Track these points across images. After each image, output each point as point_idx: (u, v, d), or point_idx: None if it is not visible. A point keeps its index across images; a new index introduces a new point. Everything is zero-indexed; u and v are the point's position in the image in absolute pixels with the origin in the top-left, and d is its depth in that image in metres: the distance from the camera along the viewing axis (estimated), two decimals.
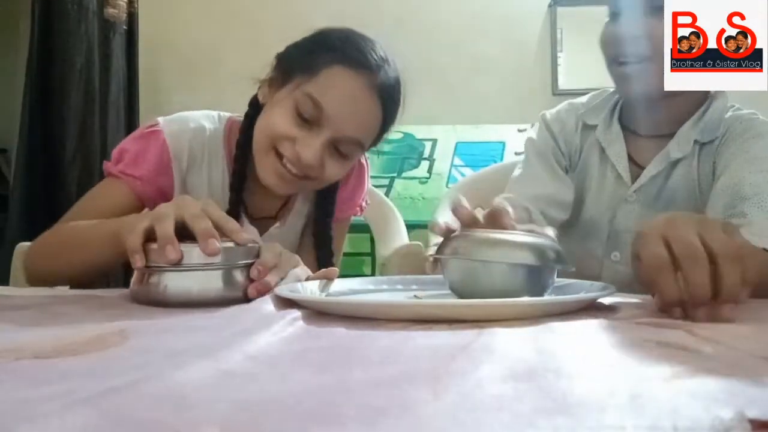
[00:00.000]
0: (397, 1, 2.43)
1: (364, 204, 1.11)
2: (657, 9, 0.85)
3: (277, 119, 0.86)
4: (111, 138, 2.17)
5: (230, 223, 0.68)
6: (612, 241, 0.97)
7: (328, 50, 0.87)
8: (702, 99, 0.95)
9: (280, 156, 0.87)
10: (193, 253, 0.65)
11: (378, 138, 0.94)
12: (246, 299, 0.65)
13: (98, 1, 2.17)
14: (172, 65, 2.41)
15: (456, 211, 0.68)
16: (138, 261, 0.65)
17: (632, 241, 0.59)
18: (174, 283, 0.65)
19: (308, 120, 0.85)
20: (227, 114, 1.00)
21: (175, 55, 2.42)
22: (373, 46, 0.92)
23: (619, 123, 0.98)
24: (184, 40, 2.45)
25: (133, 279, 0.69)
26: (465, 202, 0.69)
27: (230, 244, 0.67)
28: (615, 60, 0.91)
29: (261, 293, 0.65)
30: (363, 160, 1.06)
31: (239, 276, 0.67)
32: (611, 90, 1.04)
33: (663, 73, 0.85)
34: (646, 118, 0.95)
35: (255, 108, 0.94)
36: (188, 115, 0.97)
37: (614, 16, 0.92)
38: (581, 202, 0.99)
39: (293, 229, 1.03)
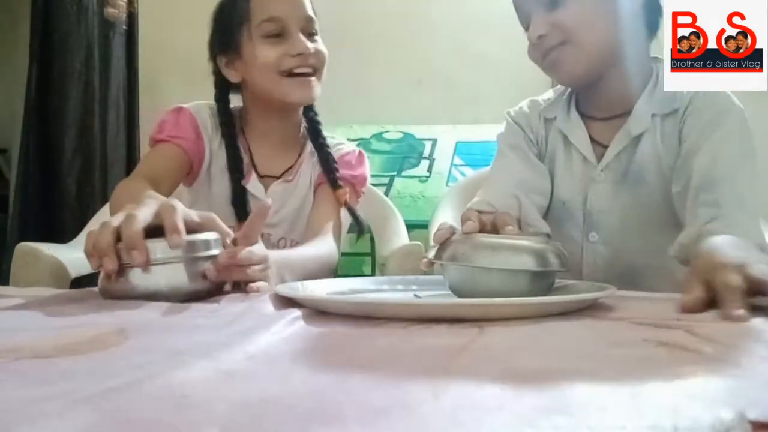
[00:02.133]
0: (397, 1, 2.43)
1: (363, 188, 1.19)
2: (554, 2, 0.91)
3: (265, 56, 1.04)
4: (111, 138, 2.17)
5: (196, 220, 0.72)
6: (588, 222, 0.99)
7: None
8: (648, 74, 0.98)
9: (288, 75, 1.04)
10: (157, 248, 0.65)
11: (314, 11, 1.09)
12: (218, 290, 0.70)
13: (98, 1, 2.17)
14: (172, 65, 2.41)
15: (464, 225, 0.68)
16: (109, 263, 0.66)
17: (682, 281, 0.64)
18: (141, 279, 0.66)
19: (279, 34, 1.04)
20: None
21: (175, 55, 2.41)
22: None
23: (577, 111, 1.02)
24: (184, 40, 2.44)
25: (101, 275, 0.69)
26: (475, 218, 0.69)
27: (195, 237, 0.68)
28: (543, 59, 0.96)
29: (217, 274, 0.69)
30: (358, 151, 1.20)
31: (204, 267, 0.68)
32: None
33: (582, 53, 0.92)
34: (597, 100, 0.99)
35: (223, 96, 1.11)
36: (203, 102, 1.14)
37: (527, 27, 0.98)
38: (553, 188, 1.02)
39: (300, 188, 1.13)
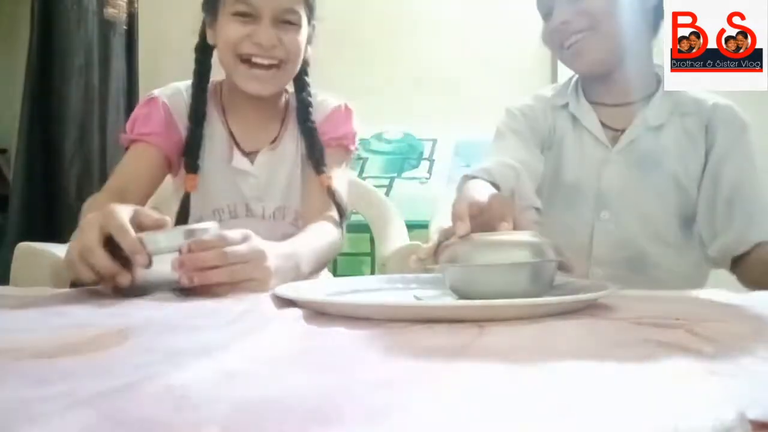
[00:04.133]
0: (396, 1, 2.43)
1: (352, 145, 1.16)
2: None
3: (227, 32, 0.99)
4: (111, 138, 2.16)
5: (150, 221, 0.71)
6: (600, 202, 1.02)
7: None
8: (648, 72, 1.04)
9: (246, 61, 1.00)
10: (159, 238, 0.67)
11: (310, 2, 1.05)
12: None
13: (98, 1, 2.16)
14: (172, 65, 2.41)
15: (456, 227, 0.68)
16: (124, 279, 0.67)
17: None
18: (148, 275, 0.69)
19: (248, 14, 0.98)
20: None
21: (175, 55, 2.41)
22: None
23: (585, 99, 1.07)
24: (184, 40, 2.45)
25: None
26: (467, 219, 0.68)
27: (195, 226, 0.70)
28: (562, 47, 1.01)
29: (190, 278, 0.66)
30: (344, 105, 1.15)
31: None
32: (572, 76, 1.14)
33: (605, 41, 0.98)
34: (606, 90, 1.04)
35: (204, 48, 1.07)
36: (178, 83, 1.10)
37: (548, 14, 1.03)
38: (561, 171, 1.05)
39: (287, 154, 1.10)
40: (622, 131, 1.03)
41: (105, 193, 0.98)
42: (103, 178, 2.12)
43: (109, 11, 2.20)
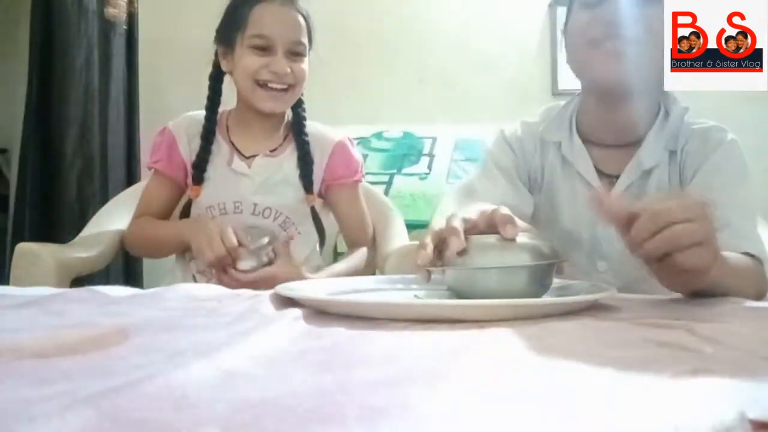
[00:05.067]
0: (396, 1, 2.43)
1: (361, 175, 1.32)
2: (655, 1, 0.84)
3: (247, 63, 1.17)
4: (111, 138, 2.16)
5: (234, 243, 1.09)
6: (596, 251, 0.96)
7: (244, 4, 1.18)
8: (655, 107, 0.96)
9: (263, 86, 1.17)
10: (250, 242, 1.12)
11: (311, 36, 1.22)
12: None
13: (98, 1, 2.16)
14: (172, 65, 2.40)
15: (449, 239, 0.66)
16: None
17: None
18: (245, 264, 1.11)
19: (264, 48, 1.16)
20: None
21: (175, 55, 2.41)
22: None
23: (578, 135, 0.98)
24: (184, 40, 2.44)
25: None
26: (458, 226, 0.66)
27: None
28: (596, 42, 0.88)
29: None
30: (347, 138, 1.31)
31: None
32: (563, 103, 1.04)
33: (649, 59, 0.85)
34: (606, 127, 0.95)
35: (217, 76, 1.26)
36: (190, 113, 1.29)
37: (592, 3, 0.89)
38: (556, 217, 0.98)
39: (285, 167, 1.24)
40: (617, 177, 0.95)
41: (135, 220, 1.27)
42: (104, 178, 2.12)
43: (109, 11, 2.19)
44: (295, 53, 1.18)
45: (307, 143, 1.25)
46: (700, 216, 0.59)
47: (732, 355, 0.41)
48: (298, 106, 1.27)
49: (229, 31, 1.20)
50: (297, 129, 1.26)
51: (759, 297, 0.76)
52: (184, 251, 1.23)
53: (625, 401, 0.31)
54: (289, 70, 1.17)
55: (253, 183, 1.20)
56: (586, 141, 0.98)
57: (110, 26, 2.19)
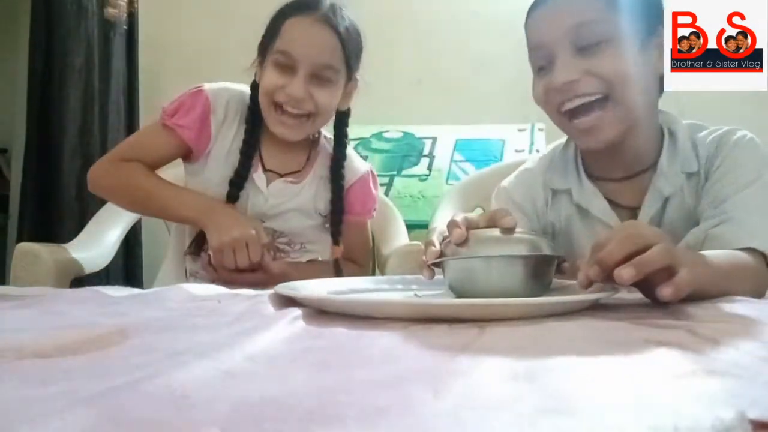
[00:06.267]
0: (396, 1, 2.43)
1: (374, 212, 1.27)
2: (589, 47, 0.82)
3: (265, 79, 1.07)
4: (111, 138, 2.16)
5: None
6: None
7: (280, 15, 1.08)
8: (658, 132, 0.92)
9: (279, 107, 1.07)
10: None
11: (350, 61, 1.11)
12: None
13: (98, 1, 2.16)
14: (172, 65, 2.40)
15: (451, 231, 0.67)
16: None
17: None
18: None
19: (286, 66, 1.05)
20: None
21: (175, 55, 2.41)
22: None
23: (586, 173, 0.94)
24: (184, 40, 2.44)
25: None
26: (460, 221, 0.67)
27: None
28: (560, 109, 0.86)
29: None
30: (370, 172, 1.24)
31: None
32: (559, 144, 1.00)
33: (622, 112, 0.83)
34: (613, 162, 0.91)
35: (256, 88, 1.13)
36: (229, 83, 1.17)
37: (544, 67, 0.88)
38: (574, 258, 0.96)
39: (303, 194, 1.16)
40: (635, 208, 0.90)
41: (114, 160, 1.14)
42: None
43: (109, 11, 2.19)
44: (322, 78, 1.06)
45: (342, 188, 1.16)
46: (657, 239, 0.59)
47: (732, 355, 0.41)
48: (339, 143, 1.17)
49: (264, 41, 1.11)
50: (335, 173, 1.16)
51: (758, 293, 0.73)
52: (193, 247, 1.13)
53: (624, 401, 0.31)
54: (307, 95, 1.05)
55: (265, 203, 1.13)
56: (597, 179, 0.93)
57: (110, 26, 2.19)
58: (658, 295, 0.58)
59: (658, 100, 0.92)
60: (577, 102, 0.84)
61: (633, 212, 0.90)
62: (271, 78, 1.06)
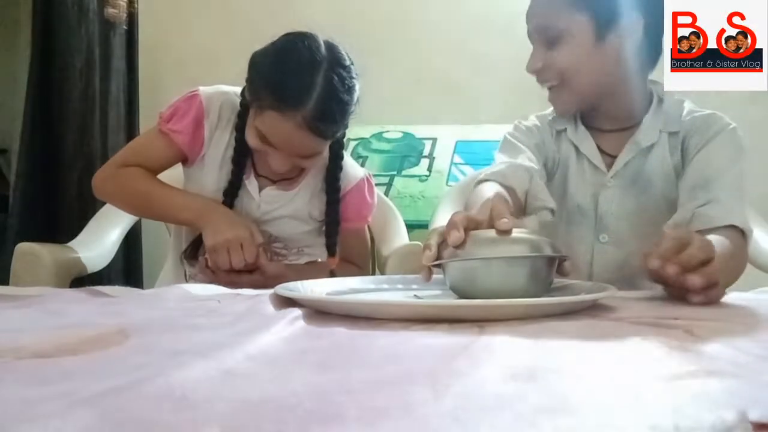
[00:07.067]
0: (396, 1, 2.43)
1: (369, 218, 1.26)
2: (552, 41, 0.97)
3: (250, 138, 1.05)
4: (111, 138, 2.16)
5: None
6: (600, 225, 1.05)
7: (265, 89, 1.00)
8: (648, 95, 1.04)
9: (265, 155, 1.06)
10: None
11: (340, 142, 1.13)
12: None
13: (98, 1, 2.16)
14: (172, 65, 2.41)
15: (449, 233, 0.67)
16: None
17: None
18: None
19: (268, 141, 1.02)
20: None
21: (175, 55, 2.41)
22: (310, 70, 1.01)
23: (583, 123, 1.08)
24: (184, 41, 2.44)
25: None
26: (460, 221, 0.68)
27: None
28: (540, 86, 1.04)
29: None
30: (365, 179, 1.22)
31: None
32: None
33: (575, 93, 1.00)
34: (601, 117, 1.06)
35: (241, 116, 1.10)
36: (224, 86, 1.15)
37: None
38: (565, 195, 1.07)
39: (297, 201, 1.16)
40: (616, 156, 1.05)
41: (116, 166, 1.14)
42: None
43: (109, 11, 2.19)
44: (307, 157, 1.05)
45: (338, 201, 1.15)
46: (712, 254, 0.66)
47: (732, 355, 0.41)
48: (336, 157, 1.14)
49: (252, 86, 1.04)
50: (331, 186, 1.15)
51: (740, 268, 0.87)
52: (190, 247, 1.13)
53: (624, 401, 0.31)
54: (288, 167, 1.06)
55: (258, 209, 1.13)
56: (590, 128, 1.07)
57: (110, 26, 2.19)
58: (690, 285, 0.63)
59: (644, 74, 1.02)
60: (543, 84, 1.03)
61: (613, 159, 1.05)
62: (253, 141, 1.04)
